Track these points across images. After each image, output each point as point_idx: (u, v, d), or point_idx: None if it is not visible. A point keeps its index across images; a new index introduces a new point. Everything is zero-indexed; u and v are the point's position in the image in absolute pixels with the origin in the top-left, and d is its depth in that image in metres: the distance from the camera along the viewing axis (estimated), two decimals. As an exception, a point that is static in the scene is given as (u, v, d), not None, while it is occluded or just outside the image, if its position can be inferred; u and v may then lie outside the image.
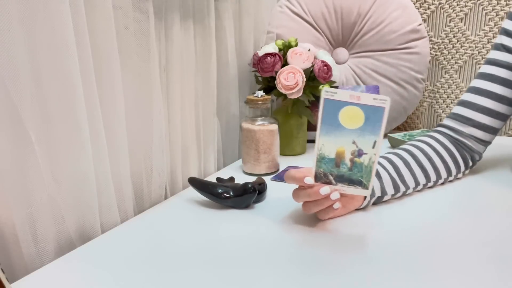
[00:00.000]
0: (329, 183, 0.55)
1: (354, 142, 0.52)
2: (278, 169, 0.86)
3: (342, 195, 0.59)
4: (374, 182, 0.63)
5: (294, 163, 0.90)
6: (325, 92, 0.52)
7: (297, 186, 0.58)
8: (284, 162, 0.90)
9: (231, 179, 0.73)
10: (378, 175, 0.64)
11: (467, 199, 0.68)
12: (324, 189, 0.54)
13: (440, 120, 1.22)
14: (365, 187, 0.54)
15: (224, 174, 0.85)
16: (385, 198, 0.66)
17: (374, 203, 0.66)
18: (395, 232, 0.56)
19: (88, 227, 0.58)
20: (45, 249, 0.53)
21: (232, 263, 0.49)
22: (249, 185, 0.65)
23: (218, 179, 0.73)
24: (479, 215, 0.62)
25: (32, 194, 0.51)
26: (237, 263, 0.49)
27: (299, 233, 0.57)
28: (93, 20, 0.56)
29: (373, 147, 0.52)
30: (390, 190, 0.65)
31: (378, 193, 0.64)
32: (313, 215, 0.62)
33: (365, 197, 0.63)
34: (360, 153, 0.53)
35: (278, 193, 0.73)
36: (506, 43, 0.72)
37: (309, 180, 0.55)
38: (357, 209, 0.64)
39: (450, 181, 0.76)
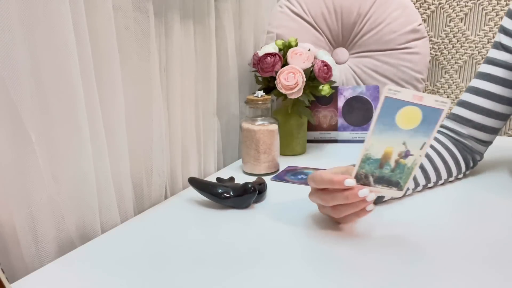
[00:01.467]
0: (368, 184, 0.53)
1: (404, 143, 0.50)
2: (278, 169, 0.86)
3: None
4: None
5: (294, 163, 0.90)
6: (388, 90, 0.48)
7: (309, 188, 0.56)
8: (284, 162, 0.90)
9: (231, 179, 0.73)
10: None
11: (467, 199, 0.68)
12: (363, 192, 0.51)
13: (440, 120, 1.22)
14: (400, 188, 0.53)
15: (224, 174, 0.85)
16: (386, 197, 0.66)
17: (375, 203, 0.65)
18: (395, 232, 0.56)
19: (88, 227, 0.58)
20: (45, 249, 0.53)
21: (231, 263, 0.49)
22: (249, 185, 0.65)
23: (218, 179, 0.73)
24: (479, 215, 0.62)
25: (32, 194, 0.51)
26: (237, 263, 0.49)
27: (299, 233, 0.57)
28: (93, 20, 0.56)
29: (421, 149, 0.51)
30: None
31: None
32: (313, 215, 0.62)
33: None
34: (407, 154, 0.51)
35: (278, 193, 0.72)
36: (504, 42, 0.71)
37: (351, 182, 0.51)
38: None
39: (451, 181, 0.75)
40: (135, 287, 0.45)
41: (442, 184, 0.74)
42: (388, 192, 0.54)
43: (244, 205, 0.66)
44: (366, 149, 0.51)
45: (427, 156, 0.71)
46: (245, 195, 0.65)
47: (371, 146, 0.51)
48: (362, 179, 0.53)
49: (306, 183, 0.77)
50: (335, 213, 0.55)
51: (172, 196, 0.75)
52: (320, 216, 0.62)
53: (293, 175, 0.82)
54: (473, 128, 0.74)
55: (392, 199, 0.68)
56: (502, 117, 0.73)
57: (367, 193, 0.51)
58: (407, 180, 0.53)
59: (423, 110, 0.49)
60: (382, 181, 0.53)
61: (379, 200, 0.65)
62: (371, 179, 0.53)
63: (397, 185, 0.53)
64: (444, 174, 0.72)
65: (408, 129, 0.50)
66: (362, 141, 1.10)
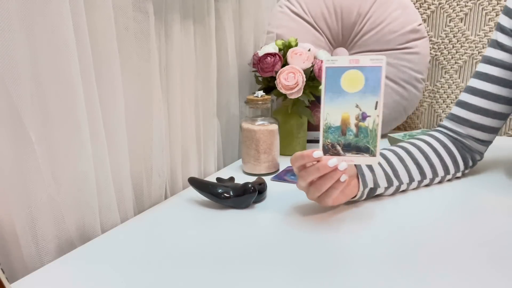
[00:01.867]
0: (337, 154, 0.56)
1: (357, 106, 0.55)
2: (278, 169, 0.86)
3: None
4: (366, 174, 0.63)
5: (294, 163, 0.90)
6: (326, 61, 0.55)
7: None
8: (284, 162, 0.90)
9: (231, 179, 0.73)
10: (370, 168, 0.65)
11: (464, 199, 0.68)
12: (332, 161, 0.54)
13: (440, 120, 1.22)
14: (372, 154, 0.55)
15: (224, 174, 0.85)
16: (378, 191, 0.66)
17: (367, 196, 0.66)
18: (391, 232, 0.56)
19: (88, 227, 0.58)
20: (45, 249, 0.53)
21: (232, 263, 0.49)
22: (249, 185, 0.65)
23: (218, 179, 0.73)
24: (475, 215, 0.62)
25: (32, 194, 0.51)
26: (237, 263, 0.49)
27: (299, 232, 0.57)
28: (93, 20, 0.56)
29: (375, 108, 0.54)
30: (383, 183, 0.65)
31: (370, 185, 0.64)
32: (313, 215, 0.62)
33: (359, 184, 0.62)
34: (364, 116, 0.55)
35: (278, 193, 0.73)
36: (501, 40, 0.71)
37: (318, 153, 0.55)
38: (353, 207, 0.64)
39: (449, 180, 0.76)
40: (135, 287, 0.45)
41: (439, 181, 0.74)
42: (361, 159, 0.56)
43: (244, 205, 0.66)
44: (324, 118, 0.56)
45: (423, 153, 0.71)
46: (245, 195, 0.65)
47: (328, 115, 0.56)
48: (330, 150, 0.56)
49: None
50: (315, 190, 0.57)
51: (172, 196, 0.75)
52: (320, 216, 0.62)
53: (293, 175, 0.82)
54: (471, 128, 0.74)
55: (384, 195, 0.68)
56: (501, 116, 0.73)
57: (336, 162, 0.54)
58: (375, 144, 0.55)
59: (363, 71, 0.54)
60: (350, 148, 0.56)
61: (371, 193, 0.65)
62: (339, 148, 0.56)
63: (367, 150, 0.55)
64: (440, 171, 0.72)
65: (356, 91, 0.54)
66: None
